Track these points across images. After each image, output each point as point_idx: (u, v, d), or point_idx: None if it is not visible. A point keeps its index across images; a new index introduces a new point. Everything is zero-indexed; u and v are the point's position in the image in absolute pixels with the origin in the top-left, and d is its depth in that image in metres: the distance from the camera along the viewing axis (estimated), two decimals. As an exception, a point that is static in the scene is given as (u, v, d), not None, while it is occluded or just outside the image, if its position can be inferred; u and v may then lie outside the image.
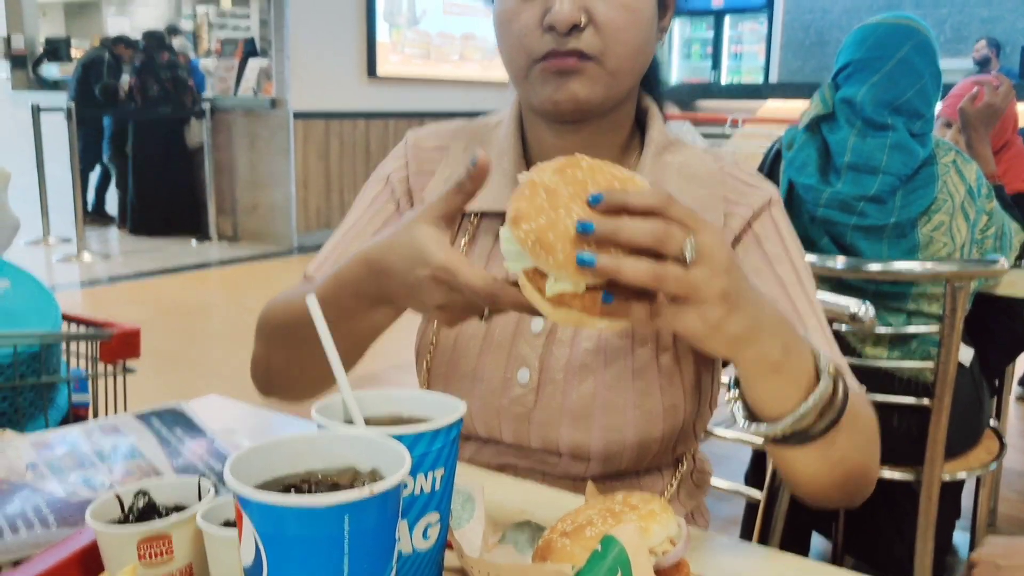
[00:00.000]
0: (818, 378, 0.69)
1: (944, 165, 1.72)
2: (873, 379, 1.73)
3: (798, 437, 0.69)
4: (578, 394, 0.89)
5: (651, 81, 0.97)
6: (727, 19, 11.02)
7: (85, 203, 7.30)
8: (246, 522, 0.48)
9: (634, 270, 0.57)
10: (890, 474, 1.76)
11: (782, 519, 1.30)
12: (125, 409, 1.21)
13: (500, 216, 0.93)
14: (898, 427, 1.74)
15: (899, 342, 1.74)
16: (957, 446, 1.79)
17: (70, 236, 6.51)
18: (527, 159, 0.97)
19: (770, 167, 1.88)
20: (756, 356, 0.65)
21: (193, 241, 7.00)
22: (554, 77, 0.84)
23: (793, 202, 1.80)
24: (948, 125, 2.34)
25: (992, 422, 1.96)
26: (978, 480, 2.01)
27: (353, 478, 0.54)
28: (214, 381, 3.63)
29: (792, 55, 10.40)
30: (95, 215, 7.78)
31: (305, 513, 0.46)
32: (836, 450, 0.72)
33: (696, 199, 0.91)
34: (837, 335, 1.72)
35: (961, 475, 1.79)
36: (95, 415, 1.23)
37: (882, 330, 1.70)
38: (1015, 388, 3.61)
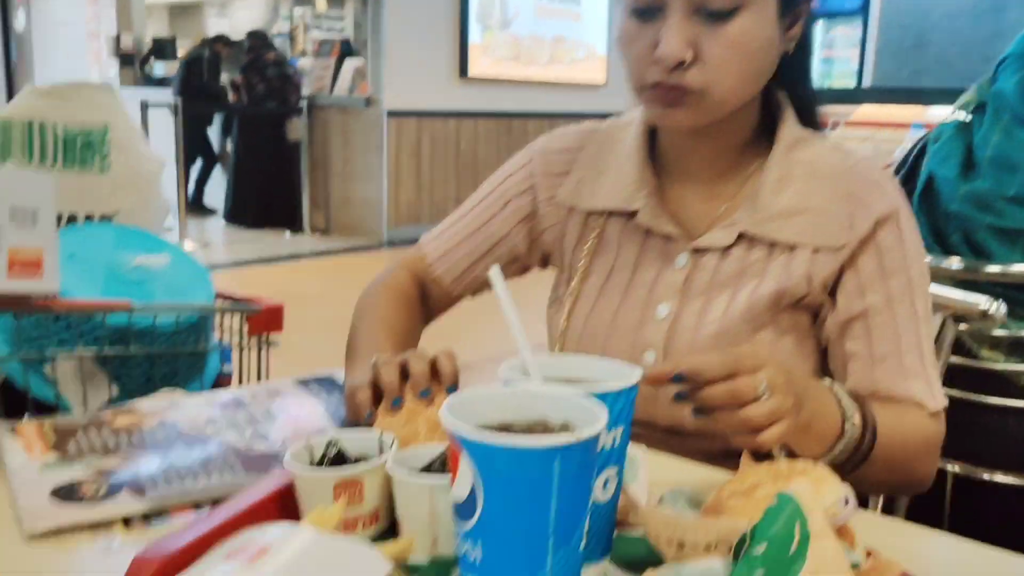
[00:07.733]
0: (843, 434, 0.80)
1: None
2: (988, 381, 1.70)
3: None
4: None
5: (789, 77, 0.99)
6: (819, 24, 10.80)
7: (187, 195, 7.60)
8: (464, 461, 0.52)
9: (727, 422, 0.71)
10: (1003, 479, 1.73)
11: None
12: (268, 379, 1.28)
13: (625, 214, 1.02)
14: (1014, 431, 1.71)
15: (1017, 347, 1.70)
16: (1075, 455, 1.74)
17: (172, 226, 6.79)
18: (656, 157, 1.03)
19: (912, 163, 1.83)
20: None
21: (287, 233, 7.22)
22: (659, 105, 0.91)
23: (930, 195, 1.74)
24: None
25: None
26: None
27: (545, 430, 0.58)
28: (312, 368, 3.73)
29: (888, 59, 10.10)
30: (194, 207, 8.07)
31: (521, 454, 0.50)
32: (872, 475, 0.84)
33: (820, 197, 0.94)
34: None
35: (1078, 484, 1.74)
36: (240, 384, 1.31)
37: (1000, 333, 1.66)
38: None
